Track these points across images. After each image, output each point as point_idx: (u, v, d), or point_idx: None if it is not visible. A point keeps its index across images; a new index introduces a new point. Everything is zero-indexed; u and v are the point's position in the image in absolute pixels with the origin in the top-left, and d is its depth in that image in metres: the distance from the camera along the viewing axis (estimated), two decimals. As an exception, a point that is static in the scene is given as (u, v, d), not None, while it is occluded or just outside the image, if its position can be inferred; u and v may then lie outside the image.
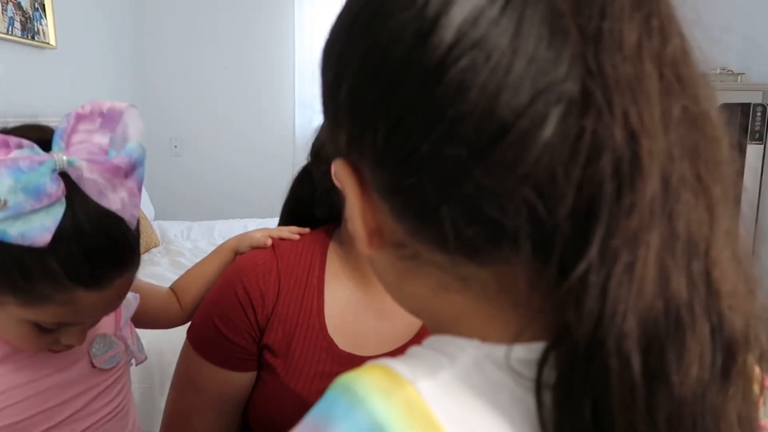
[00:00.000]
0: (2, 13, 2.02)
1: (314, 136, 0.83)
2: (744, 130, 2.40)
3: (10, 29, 2.06)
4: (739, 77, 2.66)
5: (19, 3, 2.12)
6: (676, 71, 0.28)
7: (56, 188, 0.51)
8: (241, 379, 0.79)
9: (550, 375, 0.28)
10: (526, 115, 0.26)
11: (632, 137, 0.26)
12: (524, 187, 0.27)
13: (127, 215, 0.56)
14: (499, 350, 0.30)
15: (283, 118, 3.27)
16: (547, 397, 0.28)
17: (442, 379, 0.29)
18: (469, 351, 0.31)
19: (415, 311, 0.38)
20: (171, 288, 0.89)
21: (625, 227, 0.26)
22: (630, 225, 0.26)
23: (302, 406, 0.75)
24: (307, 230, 0.86)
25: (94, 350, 0.69)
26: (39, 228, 0.51)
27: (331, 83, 0.33)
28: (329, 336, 0.77)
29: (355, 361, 0.77)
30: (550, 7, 0.27)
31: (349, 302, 0.80)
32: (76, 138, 0.55)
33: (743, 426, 0.30)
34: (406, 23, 0.28)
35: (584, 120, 0.26)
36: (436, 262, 0.32)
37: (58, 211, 0.51)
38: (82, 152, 0.54)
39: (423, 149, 0.28)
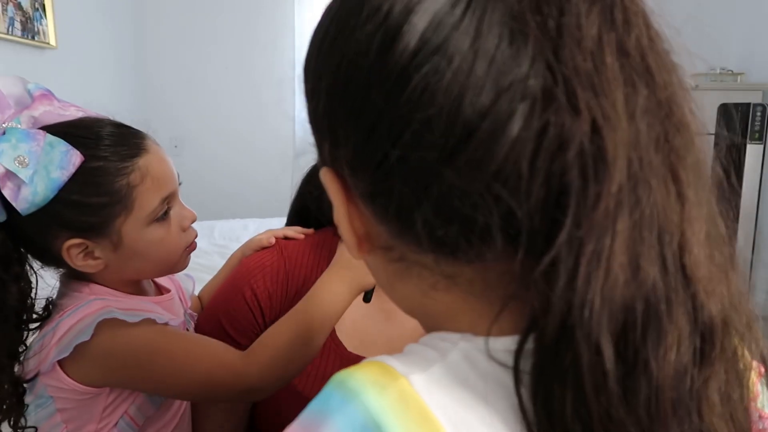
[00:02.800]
0: (2, 13, 2.02)
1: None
2: (744, 130, 2.40)
3: (10, 29, 2.06)
4: (739, 77, 2.65)
5: (19, 3, 2.12)
6: (641, 60, 0.29)
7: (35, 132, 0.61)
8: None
9: (527, 364, 0.29)
10: (491, 115, 0.27)
11: (596, 129, 0.27)
12: (495, 184, 0.28)
13: (90, 113, 0.67)
14: (490, 343, 0.31)
15: (283, 118, 3.26)
16: (526, 386, 0.29)
17: (434, 372, 0.30)
18: (460, 344, 0.32)
19: (409, 311, 0.39)
20: (198, 296, 0.92)
21: (592, 217, 0.26)
22: (596, 215, 0.26)
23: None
24: (311, 231, 0.85)
25: (186, 323, 0.77)
26: (63, 157, 0.59)
27: (309, 98, 0.35)
28: (337, 337, 0.77)
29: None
30: (509, 7, 0.28)
31: (357, 304, 0.80)
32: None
33: (728, 407, 0.30)
34: (370, 35, 0.29)
35: (548, 115, 0.27)
36: (422, 262, 0.33)
37: (56, 140, 0.60)
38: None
39: (393, 155, 0.29)
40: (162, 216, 0.67)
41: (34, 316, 0.67)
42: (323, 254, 0.81)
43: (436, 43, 0.27)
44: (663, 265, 0.27)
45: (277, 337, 0.66)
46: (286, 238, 0.84)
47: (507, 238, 0.29)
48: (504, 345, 0.31)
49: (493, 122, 0.27)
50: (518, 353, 0.29)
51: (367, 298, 0.71)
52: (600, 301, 0.26)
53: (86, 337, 0.60)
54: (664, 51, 0.30)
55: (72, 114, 0.66)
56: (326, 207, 0.93)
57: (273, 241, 0.83)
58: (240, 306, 0.78)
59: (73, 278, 0.69)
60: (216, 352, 0.66)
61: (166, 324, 0.67)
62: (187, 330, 0.78)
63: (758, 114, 2.40)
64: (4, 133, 0.59)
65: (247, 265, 0.81)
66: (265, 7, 3.17)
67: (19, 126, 0.61)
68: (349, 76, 0.30)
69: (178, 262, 0.71)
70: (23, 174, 0.57)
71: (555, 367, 0.27)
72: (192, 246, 0.72)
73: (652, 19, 0.30)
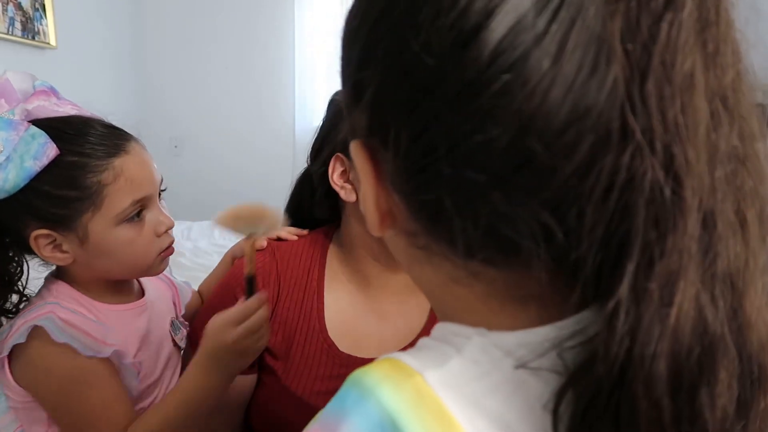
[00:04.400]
0: (2, 13, 2.02)
1: (313, 137, 0.83)
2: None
3: (10, 29, 2.06)
4: (738, 77, 2.65)
5: (20, 3, 2.12)
6: (727, 103, 0.26)
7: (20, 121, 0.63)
8: (242, 382, 0.79)
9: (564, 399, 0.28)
10: (556, 146, 0.25)
11: (674, 178, 0.24)
12: (543, 213, 0.26)
13: (86, 113, 0.69)
14: (504, 337, 0.31)
15: (283, 118, 3.26)
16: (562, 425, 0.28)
17: (449, 369, 0.30)
18: (475, 339, 0.31)
19: (424, 291, 0.38)
20: (198, 290, 0.94)
21: (662, 268, 0.25)
22: (666, 266, 0.25)
23: (303, 408, 0.75)
24: (305, 232, 0.85)
25: (173, 330, 0.78)
26: (39, 148, 0.60)
27: (355, 65, 0.31)
28: (329, 338, 0.77)
29: (355, 363, 0.77)
30: (598, 26, 0.24)
31: (349, 304, 0.80)
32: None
33: None
34: (442, 31, 0.26)
35: (620, 155, 0.24)
36: (448, 257, 0.32)
37: (38, 132, 0.61)
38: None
39: (441, 166, 0.27)
40: (133, 218, 0.67)
41: (9, 306, 0.68)
42: (315, 255, 0.81)
43: (513, 59, 0.24)
44: (725, 314, 0.26)
45: (145, 426, 0.65)
46: (278, 239, 0.84)
47: (551, 260, 0.27)
48: (519, 339, 0.30)
49: (556, 154, 0.25)
50: (560, 395, 0.28)
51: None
52: (663, 357, 0.25)
53: (22, 340, 0.61)
54: (749, 91, 0.28)
55: (66, 111, 0.67)
56: (321, 208, 0.92)
57: (265, 243, 0.83)
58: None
59: (53, 276, 0.71)
60: (108, 415, 0.65)
61: (93, 357, 0.65)
62: (175, 335, 0.78)
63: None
64: None
65: (240, 266, 0.82)
66: (265, 7, 3.17)
67: (12, 117, 0.63)
68: (410, 69, 0.27)
69: (151, 266, 0.71)
70: None
71: (605, 417, 0.26)
72: (167, 251, 0.72)
73: (742, 52, 0.28)
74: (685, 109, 0.25)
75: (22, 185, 0.61)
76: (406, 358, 0.31)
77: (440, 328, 0.34)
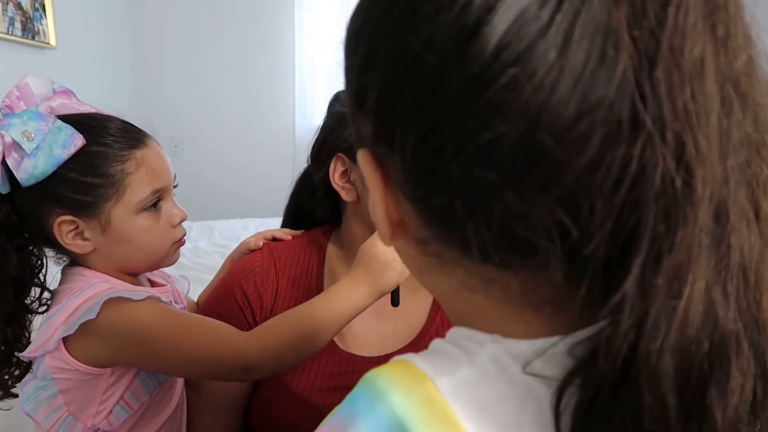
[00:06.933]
0: (2, 13, 2.02)
1: (314, 137, 0.83)
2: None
3: (10, 29, 2.06)
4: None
5: (20, 3, 2.12)
6: (740, 89, 0.25)
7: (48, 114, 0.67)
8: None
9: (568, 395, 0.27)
10: (567, 140, 0.24)
11: (686, 168, 0.24)
12: (557, 210, 0.25)
13: (104, 112, 0.73)
14: (518, 345, 0.30)
15: (283, 118, 3.26)
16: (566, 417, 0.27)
17: (461, 376, 0.30)
18: (488, 346, 0.31)
19: (438, 299, 0.37)
20: (196, 302, 0.95)
21: (670, 262, 0.24)
22: (675, 259, 0.24)
23: (303, 406, 0.76)
24: (299, 232, 0.86)
25: None
26: (67, 138, 0.65)
27: (357, 71, 0.31)
28: (330, 336, 0.77)
29: (355, 361, 0.77)
30: (604, 15, 0.24)
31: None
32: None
33: None
34: (443, 28, 0.25)
35: (631, 147, 0.24)
36: (461, 263, 0.31)
37: (65, 125, 0.65)
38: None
39: (450, 167, 0.26)
40: (151, 207, 0.71)
41: (38, 300, 0.71)
42: (313, 254, 0.82)
43: (518, 52, 0.24)
44: (737, 310, 0.25)
45: (284, 324, 0.67)
46: (274, 239, 0.85)
47: (567, 261, 0.27)
48: (532, 348, 0.30)
49: (568, 148, 0.24)
50: (563, 387, 0.27)
51: (395, 301, 0.71)
52: (670, 352, 0.24)
53: (92, 316, 0.63)
54: (763, 75, 0.27)
55: (86, 109, 0.72)
56: (322, 209, 0.93)
57: (261, 243, 0.84)
58: (231, 306, 0.79)
59: (73, 266, 0.73)
60: (219, 328, 0.68)
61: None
62: None
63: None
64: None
65: (237, 266, 0.82)
66: (265, 7, 3.17)
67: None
68: (412, 69, 0.26)
69: (167, 255, 0.75)
70: (27, 146, 0.63)
71: (609, 411, 0.26)
72: (180, 242, 0.76)
73: (753, 34, 0.27)
74: (696, 96, 0.24)
75: (50, 172, 0.65)
76: (419, 362, 0.31)
77: (455, 332, 0.34)
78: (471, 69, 0.25)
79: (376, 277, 0.67)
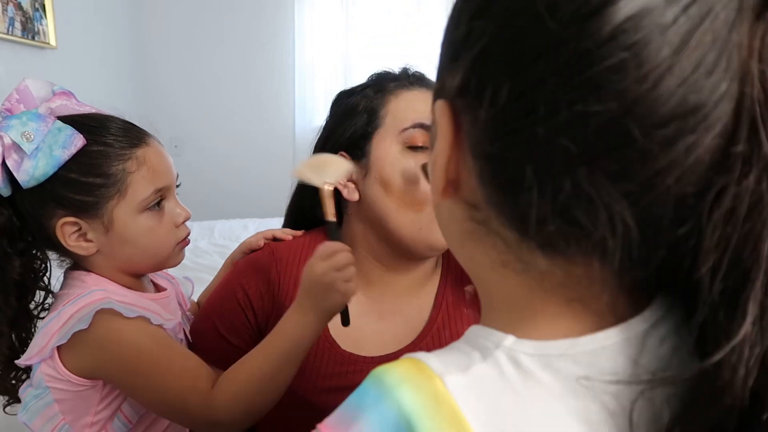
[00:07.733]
0: (2, 13, 2.02)
1: (316, 137, 0.83)
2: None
3: (10, 29, 2.06)
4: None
5: (20, 3, 2.12)
6: None
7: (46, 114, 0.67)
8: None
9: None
10: (653, 137, 0.25)
11: None
12: (623, 202, 0.26)
13: (102, 110, 0.73)
14: (534, 345, 0.30)
15: (283, 118, 3.26)
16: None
17: (471, 374, 0.30)
18: (504, 346, 0.31)
19: (471, 274, 0.37)
20: (197, 302, 0.94)
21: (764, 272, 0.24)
22: None
23: (304, 406, 0.75)
24: (299, 233, 0.86)
25: (183, 324, 0.79)
26: (67, 139, 0.64)
27: (469, 15, 0.31)
28: (331, 336, 0.77)
29: (356, 361, 0.77)
30: (725, 32, 0.24)
31: (351, 304, 0.80)
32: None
33: None
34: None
35: (723, 147, 0.24)
36: (504, 236, 0.31)
37: (65, 126, 0.65)
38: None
39: (537, 131, 0.27)
40: (154, 206, 0.70)
41: (42, 304, 0.70)
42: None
43: (633, 39, 0.24)
44: None
45: (243, 370, 0.65)
46: (275, 239, 0.85)
47: (614, 256, 0.27)
48: (549, 348, 0.30)
49: (651, 144, 0.25)
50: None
51: (345, 321, 0.69)
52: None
53: (84, 326, 0.62)
54: None
55: (86, 110, 0.71)
56: (320, 208, 0.94)
57: (262, 243, 0.84)
58: (232, 307, 0.79)
59: (75, 270, 0.72)
60: (197, 374, 0.66)
61: (160, 326, 0.68)
62: (184, 331, 0.79)
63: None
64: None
65: (239, 266, 0.82)
66: (265, 7, 3.17)
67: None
68: (528, 28, 0.27)
69: (170, 255, 0.73)
70: (26, 147, 0.62)
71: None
72: (184, 242, 0.75)
73: None
74: None
75: (51, 173, 0.64)
76: (429, 359, 0.31)
77: (472, 331, 0.34)
78: (584, 43, 0.25)
79: (320, 302, 0.64)
